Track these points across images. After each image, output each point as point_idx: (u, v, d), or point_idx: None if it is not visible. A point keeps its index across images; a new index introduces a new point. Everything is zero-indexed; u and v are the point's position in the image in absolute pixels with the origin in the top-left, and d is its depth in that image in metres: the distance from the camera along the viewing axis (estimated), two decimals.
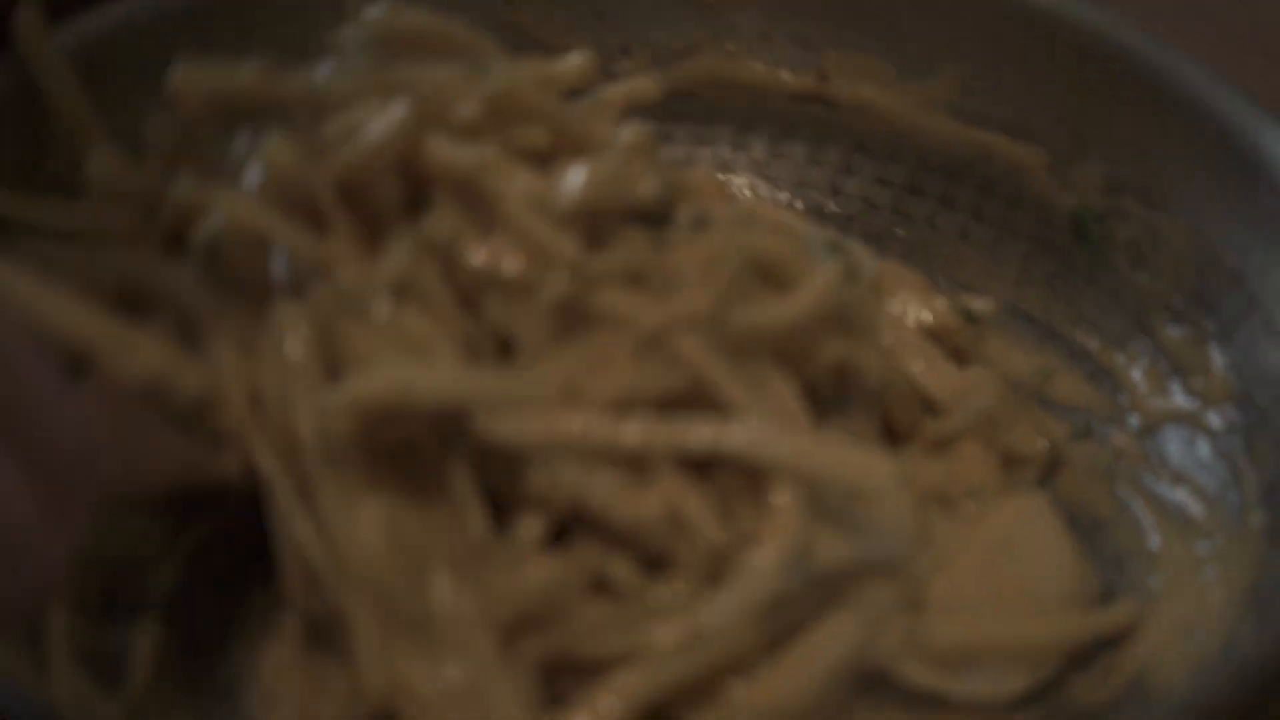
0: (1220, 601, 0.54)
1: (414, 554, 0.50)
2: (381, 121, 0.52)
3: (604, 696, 0.50)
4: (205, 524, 0.55)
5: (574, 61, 0.56)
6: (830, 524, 0.51)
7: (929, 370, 0.60)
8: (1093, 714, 0.52)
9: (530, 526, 0.51)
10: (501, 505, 0.52)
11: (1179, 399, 0.60)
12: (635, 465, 0.51)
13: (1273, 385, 0.57)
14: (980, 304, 0.63)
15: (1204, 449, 0.59)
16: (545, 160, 0.54)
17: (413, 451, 0.51)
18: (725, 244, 0.53)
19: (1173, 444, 0.60)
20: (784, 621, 0.51)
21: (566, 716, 0.50)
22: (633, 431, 0.50)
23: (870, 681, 0.52)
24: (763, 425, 0.51)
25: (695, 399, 0.52)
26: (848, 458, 0.51)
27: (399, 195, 0.53)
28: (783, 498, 0.51)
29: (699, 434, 0.50)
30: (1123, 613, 0.55)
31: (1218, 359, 0.59)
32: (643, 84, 0.60)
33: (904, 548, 0.51)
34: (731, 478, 0.52)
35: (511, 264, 0.51)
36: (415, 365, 0.50)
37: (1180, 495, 0.58)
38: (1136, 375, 0.61)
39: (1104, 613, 0.55)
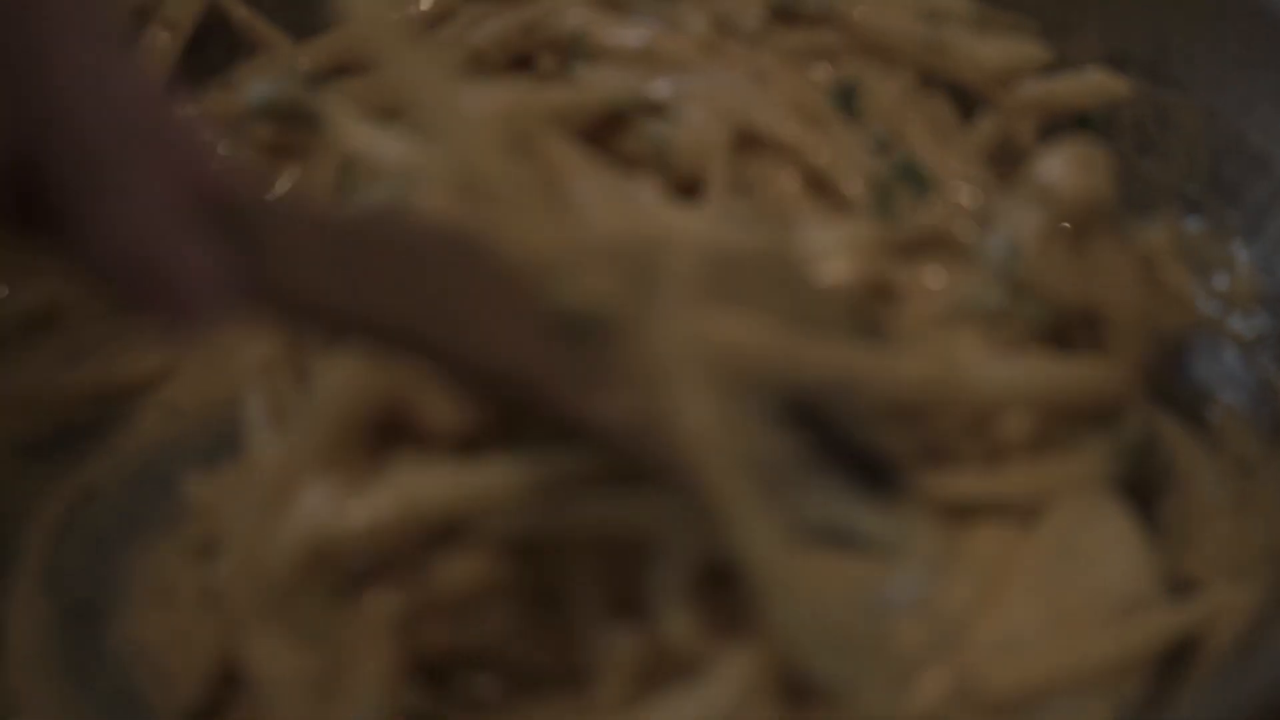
0: (1260, 544, 0.48)
1: None
2: None
3: None
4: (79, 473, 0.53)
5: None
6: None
7: None
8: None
9: None
10: None
11: (1201, 303, 0.54)
12: None
13: None
14: None
15: (1231, 359, 0.53)
16: None
17: None
18: None
19: (1196, 355, 0.53)
20: None
21: None
22: None
23: None
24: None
25: None
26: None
27: None
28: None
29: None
30: (1216, 600, 0.47)
31: (1243, 256, 0.53)
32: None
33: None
34: None
35: None
36: None
37: (1208, 415, 0.52)
38: None
39: (1188, 606, 0.47)
